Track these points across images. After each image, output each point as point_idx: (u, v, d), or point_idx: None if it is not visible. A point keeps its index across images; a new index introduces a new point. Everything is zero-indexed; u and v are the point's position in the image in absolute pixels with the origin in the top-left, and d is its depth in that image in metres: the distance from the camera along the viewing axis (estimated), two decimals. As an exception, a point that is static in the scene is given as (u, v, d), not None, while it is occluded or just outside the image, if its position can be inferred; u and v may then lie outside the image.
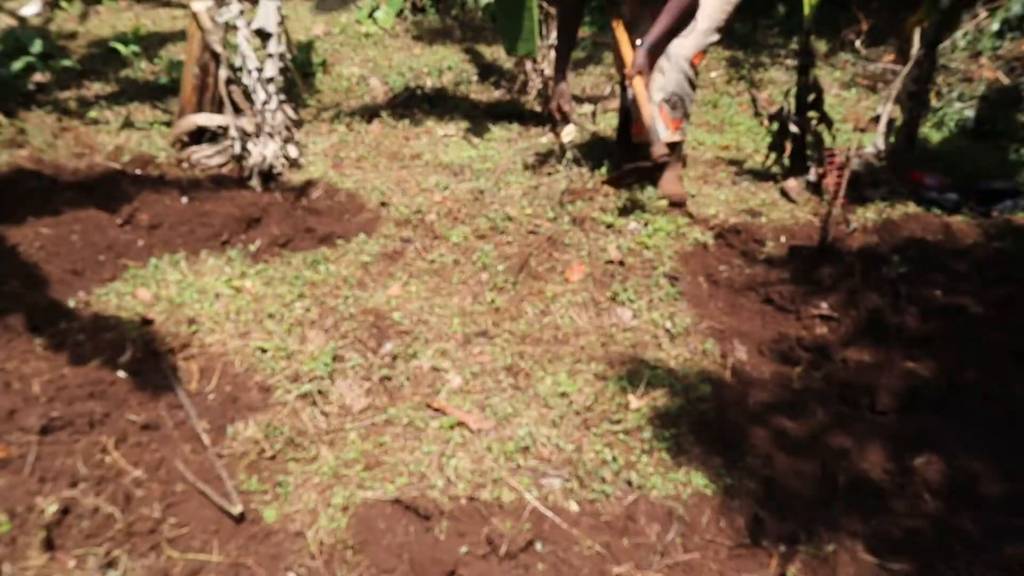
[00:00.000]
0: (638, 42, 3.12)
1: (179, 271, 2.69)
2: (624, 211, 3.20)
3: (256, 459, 2.00)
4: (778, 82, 4.90)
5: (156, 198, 3.00)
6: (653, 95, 3.17)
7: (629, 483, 1.96)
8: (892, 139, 3.56)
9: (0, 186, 2.92)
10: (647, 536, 1.83)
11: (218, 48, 3.32)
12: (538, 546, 1.78)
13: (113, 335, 2.29)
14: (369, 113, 4.22)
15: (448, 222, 3.12)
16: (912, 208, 3.29)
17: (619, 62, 3.31)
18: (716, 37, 3.14)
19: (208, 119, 3.44)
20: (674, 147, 3.33)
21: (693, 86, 3.19)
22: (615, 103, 4.31)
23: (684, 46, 3.10)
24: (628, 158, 3.48)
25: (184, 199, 3.04)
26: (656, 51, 3.11)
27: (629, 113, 3.46)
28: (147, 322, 2.39)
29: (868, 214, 3.25)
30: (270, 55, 3.34)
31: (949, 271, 2.75)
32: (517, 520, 1.83)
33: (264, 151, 3.32)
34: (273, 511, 1.85)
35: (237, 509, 1.82)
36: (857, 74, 4.99)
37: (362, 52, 5.15)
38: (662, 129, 3.21)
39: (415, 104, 4.39)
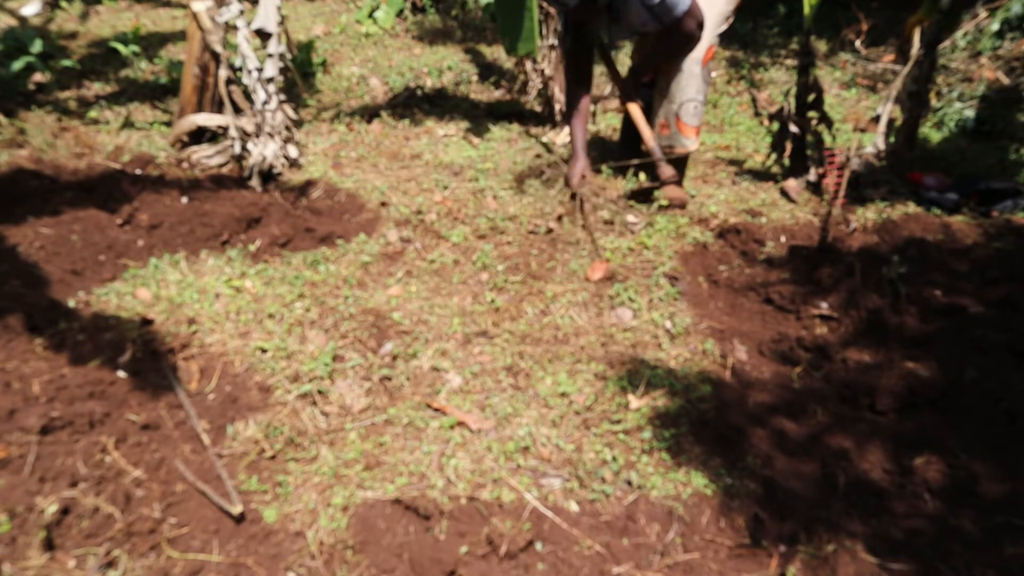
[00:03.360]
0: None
1: (179, 271, 2.69)
2: (624, 198, 3.23)
3: (256, 459, 2.00)
4: (778, 82, 4.90)
5: (156, 198, 3.00)
6: (670, 104, 3.19)
7: (629, 483, 1.96)
8: (892, 139, 3.56)
9: (0, 186, 2.92)
10: (647, 536, 1.83)
11: (218, 48, 3.32)
12: (538, 546, 1.78)
13: (113, 335, 2.29)
14: (369, 113, 4.22)
15: (448, 222, 3.12)
16: (912, 208, 3.30)
17: (621, 74, 3.37)
18: (724, 27, 3.15)
19: (208, 119, 3.44)
20: (685, 157, 3.34)
21: (706, 84, 3.19)
22: (615, 103, 4.32)
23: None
24: (630, 158, 3.48)
25: (184, 199, 3.04)
26: (640, 74, 3.24)
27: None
28: (147, 322, 2.39)
29: (868, 214, 3.25)
30: (270, 55, 3.34)
31: (949, 271, 2.75)
32: (517, 520, 1.83)
33: (264, 151, 3.32)
34: (273, 511, 1.85)
35: (237, 509, 1.82)
36: (857, 74, 4.99)
37: (362, 52, 5.15)
38: (683, 140, 3.23)
39: (415, 104, 4.39)
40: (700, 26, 2.96)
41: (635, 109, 3.25)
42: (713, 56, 3.15)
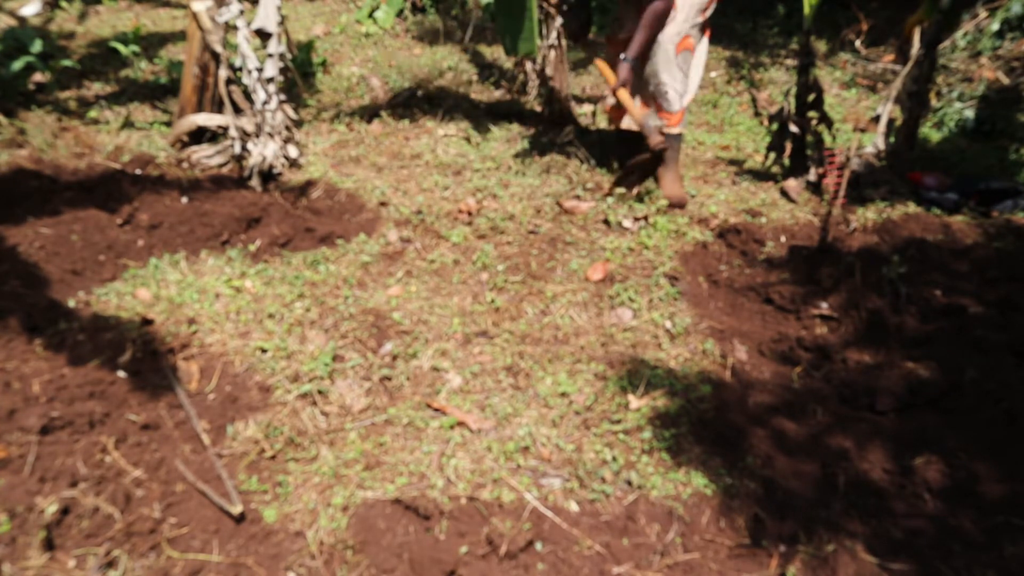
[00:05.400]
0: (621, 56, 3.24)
1: (179, 271, 2.69)
2: (621, 200, 3.23)
3: (256, 459, 2.00)
4: (778, 82, 4.90)
5: (156, 198, 3.00)
6: (646, 86, 3.25)
7: (629, 483, 1.96)
8: (892, 139, 3.56)
9: (0, 186, 2.92)
10: (647, 536, 1.82)
11: (218, 48, 3.32)
12: (538, 546, 1.78)
13: (113, 335, 2.29)
14: (369, 113, 4.21)
15: (448, 222, 3.12)
16: (912, 208, 3.29)
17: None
18: (700, 20, 3.16)
19: (208, 119, 3.44)
20: (674, 140, 3.34)
21: (682, 72, 3.21)
22: (611, 100, 4.31)
23: (667, 31, 3.14)
24: (625, 157, 3.48)
25: (184, 199, 3.04)
26: (637, 63, 3.24)
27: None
28: (147, 322, 2.39)
29: (868, 214, 3.25)
30: (270, 55, 3.34)
31: (949, 271, 2.75)
32: (517, 520, 1.83)
33: (264, 151, 3.32)
34: (273, 511, 1.85)
35: (237, 509, 1.82)
36: (857, 74, 4.99)
37: (362, 52, 5.15)
38: (655, 119, 3.26)
39: (415, 104, 4.39)
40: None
41: (623, 94, 3.28)
42: (690, 48, 3.17)
